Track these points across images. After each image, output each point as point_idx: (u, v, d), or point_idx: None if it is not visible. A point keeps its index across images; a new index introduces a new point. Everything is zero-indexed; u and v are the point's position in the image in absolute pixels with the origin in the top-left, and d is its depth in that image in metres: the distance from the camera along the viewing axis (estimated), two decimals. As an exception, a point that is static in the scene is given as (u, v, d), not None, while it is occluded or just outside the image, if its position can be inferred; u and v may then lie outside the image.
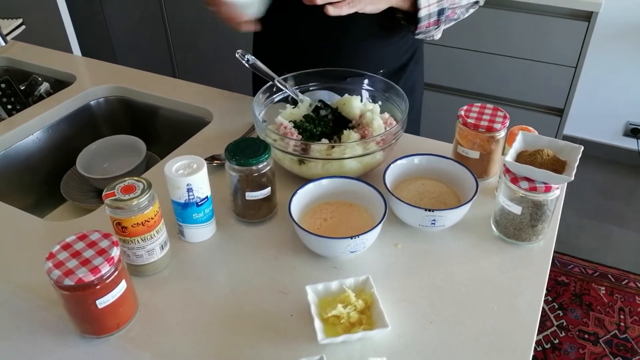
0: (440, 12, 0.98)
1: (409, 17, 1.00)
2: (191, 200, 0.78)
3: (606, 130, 2.66)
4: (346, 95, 1.02)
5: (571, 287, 2.04)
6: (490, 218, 0.86)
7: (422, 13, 0.96)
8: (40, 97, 1.29)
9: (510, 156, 0.80)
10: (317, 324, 0.68)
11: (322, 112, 0.99)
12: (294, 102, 1.02)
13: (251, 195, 0.83)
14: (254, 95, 1.25)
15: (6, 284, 0.77)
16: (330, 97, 1.03)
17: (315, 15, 0.87)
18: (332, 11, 0.85)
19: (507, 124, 0.90)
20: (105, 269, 0.64)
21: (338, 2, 0.85)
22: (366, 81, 1.04)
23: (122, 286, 0.67)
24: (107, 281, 0.64)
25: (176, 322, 0.72)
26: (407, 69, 1.16)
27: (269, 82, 1.00)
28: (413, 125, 1.21)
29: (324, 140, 0.92)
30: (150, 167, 1.05)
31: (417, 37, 1.02)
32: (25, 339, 0.70)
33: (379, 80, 1.02)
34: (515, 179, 0.77)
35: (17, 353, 0.68)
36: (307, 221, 0.83)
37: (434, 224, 0.81)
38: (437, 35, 1.04)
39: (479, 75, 2.23)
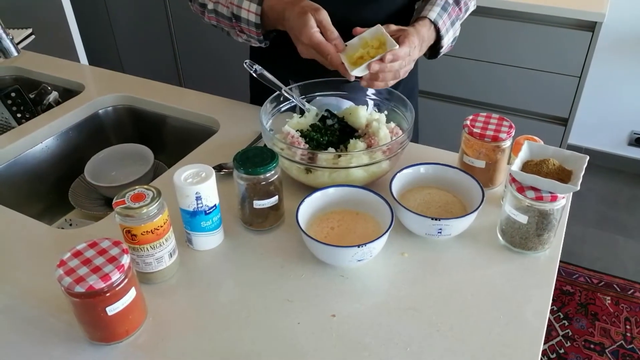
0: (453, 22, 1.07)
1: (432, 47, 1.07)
2: (199, 209, 0.79)
3: (611, 139, 2.66)
4: (352, 104, 1.03)
5: (576, 297, 2.03)
6: (496, 227, 0.86)
7: (445, 40, 1.05)
8: (49, 106, 1.30)
9: (516, 165, 0.80)
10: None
11: (329, 122, 0.99)
12: (301, 112, 1.03)
13: (259, 204, 0.84)
14: (251, 102, 1.26)
15: (15, 291, 0.78)
16: (337, 103, 1.04)
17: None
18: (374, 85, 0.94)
19: (513, 134, 0.91)
20: (116, 276, 0.64)
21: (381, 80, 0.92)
22: (371, 90, 1.05)
23: (132, 293, 0.68)
24: (117, 288, 0.65)
25: (184, 329, 0.72)
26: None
27: (269, 90, 1.01)
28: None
29: (331, 150, 0.93)
30: (157, 175, 1.06)
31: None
32: (35, 345, 0.70)
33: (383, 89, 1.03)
34: (521, 189, 0.78)
35: None
36: (314, 229, 0.84)
37: (440, 232, 0.82)
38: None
39: (484, 85, 2.24)
